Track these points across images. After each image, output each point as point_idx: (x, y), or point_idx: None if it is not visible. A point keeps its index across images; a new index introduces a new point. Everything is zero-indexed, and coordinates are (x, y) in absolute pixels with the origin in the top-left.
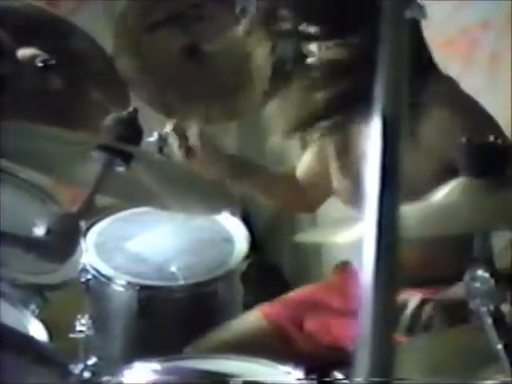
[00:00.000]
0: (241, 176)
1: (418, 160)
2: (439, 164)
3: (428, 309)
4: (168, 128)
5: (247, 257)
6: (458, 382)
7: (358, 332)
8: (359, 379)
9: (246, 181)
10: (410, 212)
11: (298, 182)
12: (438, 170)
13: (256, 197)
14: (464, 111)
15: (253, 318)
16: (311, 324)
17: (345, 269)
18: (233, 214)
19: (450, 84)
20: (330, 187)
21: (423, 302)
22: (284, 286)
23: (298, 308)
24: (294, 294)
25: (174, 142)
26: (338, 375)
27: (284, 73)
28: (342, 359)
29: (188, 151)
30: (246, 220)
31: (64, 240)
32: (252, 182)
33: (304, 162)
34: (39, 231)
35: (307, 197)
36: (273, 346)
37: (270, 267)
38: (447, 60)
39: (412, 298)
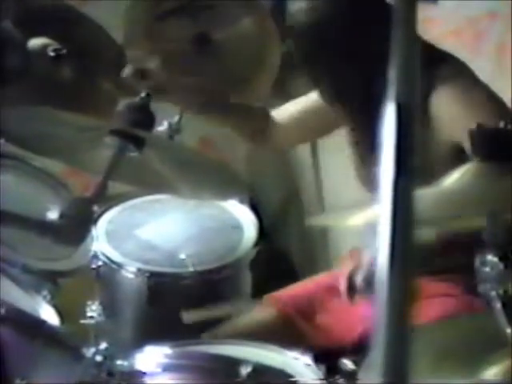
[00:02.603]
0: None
1: (430, 146)
2: (450, 150)
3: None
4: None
5: (256, 244)
6: (461, 381)
7: (374, 319)
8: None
9: (212, 116)
10: (421, 196)
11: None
12: (448, 155)
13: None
14: (477, 97)
15: (262, 309)
16: (322, 316)
17: (354, 256)
18: (241, 201)
19: (463, 70)
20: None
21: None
22: (292, 273)
23: (308, 300)
24: (304, 285)
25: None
26: (347, 363)
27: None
28: (351, 347)
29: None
30: (255, 207)
31: (77, 224)
32: (220, 117)
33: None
34: (53, 215)
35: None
36: (283, 337)
37: (279, 254)
38: (454, 50)
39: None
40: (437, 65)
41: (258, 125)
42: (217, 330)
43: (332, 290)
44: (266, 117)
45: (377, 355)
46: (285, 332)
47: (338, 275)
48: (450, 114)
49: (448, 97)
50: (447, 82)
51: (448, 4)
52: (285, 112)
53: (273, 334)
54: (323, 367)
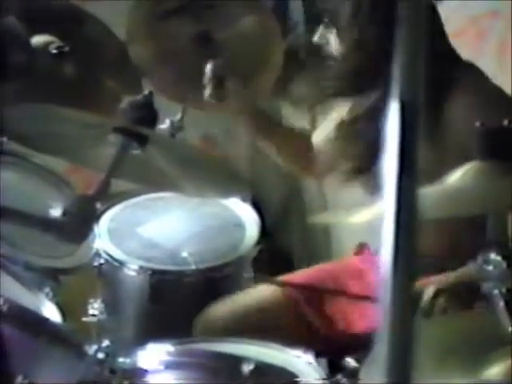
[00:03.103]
0: (265, 132)
1: (436, 146)
2: (455, 150)
3: (441, 300)
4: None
5: (258, 242)
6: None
7: (378, 316)
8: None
9: (267, 138)
10: (424, 194)
11: (313, 145)
12: (453, 155)
13: (270, 154)
14: (485, 97)
15: (268, 289)
16: (327, 307)
17: (363, 251)
18: (244, 199)
19: (471, 70)
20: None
21: (437, 292)
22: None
23: (314, 288)
24: (311, 271)
25: (209, 82)
26: (350, 361)
27: (297, 60)
28: (354, 344)
29: (220, 94)
30: (257, 205)
31: (80, 221)
32: (272, 139)
33: (322, 131)
34: (55, 213)
35: (318, 163)
36: (284, 320)
37: (281, 253)
38: (456, 49)
39: (426, 289)
40: (447, 65)
41: (302, 151)
42: (217, 305)
43: (338, 279)
44: (310, 142)
45: (379, 354)
46: (287, 315)
47: (345, 264)
48: (461, 115)
49: (460, 97)
50: (459, 83)
51: (450, 3)
52: (319, 136)
53: (274, 314)
54: (325, 365)
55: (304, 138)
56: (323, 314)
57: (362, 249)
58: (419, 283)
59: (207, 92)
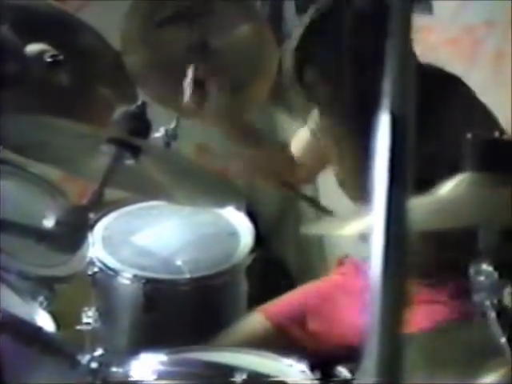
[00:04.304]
0: (246, 146)
1: (425, 156)
2: (445, 161)
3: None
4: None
5: (252, 251)
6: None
7: (367, 326)
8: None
9: (248, 152)
10: (415, 206)
11: (292, 156)
12: (443, 166)
13: (250, 170)
14: (471, 109)
15: (256, 322)
16: (315, 324)
17: (346, 263)
18: (238, 208)
19: (457, 83)
20: (322, 166)
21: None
22: (288, 281)
23: (301, 308)
24: (296, 294)
25: (188, 87)
26: (342, 370)
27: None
28: (346, 356)
29: (200, 101)
30: (251, 214)
31: (73, 232)
32: (254, 154)
33: (299, 139)
34: (49, 223)
35: (299, 172)
36: (279, 348)
37: (275, 261)
38: (452, 59)
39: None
40: (438, 85)
41: (284, 162)
42: (211, 344)
43: (323, 296)
44: (290, 155)
45: (370, 363)
46: (280, 342)
47: (328, 282)
48: (449, 126)
49: (447, 110)
50: (448, 101)
51: (445, 13)
52: (296, 146)
53: (268, 345)
54: (318, 374)
55: (284, 151)
56: (313, 332)
57: (344, 261)
58: None
59: (186, 95)
